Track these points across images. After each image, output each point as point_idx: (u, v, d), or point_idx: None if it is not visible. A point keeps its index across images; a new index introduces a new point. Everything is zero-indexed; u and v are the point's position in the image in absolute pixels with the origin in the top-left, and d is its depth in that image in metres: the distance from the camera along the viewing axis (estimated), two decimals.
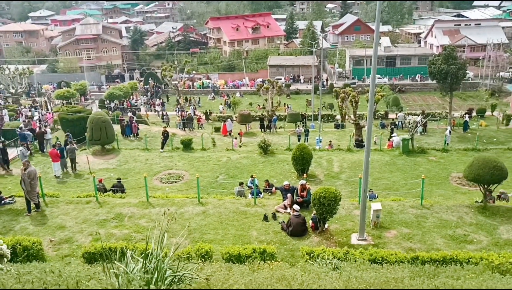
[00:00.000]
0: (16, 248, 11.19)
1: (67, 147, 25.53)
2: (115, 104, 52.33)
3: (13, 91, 51.45)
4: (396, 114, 46.04)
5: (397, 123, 41.53)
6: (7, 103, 49.67)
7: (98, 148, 29.25)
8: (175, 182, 24.07)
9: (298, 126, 39.14)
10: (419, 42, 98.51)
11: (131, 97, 59.33)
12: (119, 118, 37.64)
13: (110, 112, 44.24)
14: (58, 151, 24.38)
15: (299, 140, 34.21)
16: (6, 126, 32.63)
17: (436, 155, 28.36)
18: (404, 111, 48.78)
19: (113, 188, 20.05)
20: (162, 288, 4.08)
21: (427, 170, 25.34)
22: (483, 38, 79.44)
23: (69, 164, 25.48)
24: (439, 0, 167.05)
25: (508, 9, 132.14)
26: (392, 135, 32.49)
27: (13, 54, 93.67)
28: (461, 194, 21.69)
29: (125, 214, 15.99)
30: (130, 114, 42.25)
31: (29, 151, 25.37)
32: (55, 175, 24.18)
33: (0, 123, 20.42)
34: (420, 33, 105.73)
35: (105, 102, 52.36)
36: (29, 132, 29.07)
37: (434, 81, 46.08)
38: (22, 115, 41.71)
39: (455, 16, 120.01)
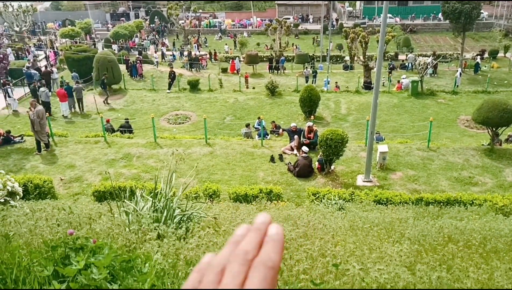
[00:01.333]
0: (28, 186, 11.44)
1: (74, 86, 25.47)
2: (120, 43, 51.56)
3: (17, 29, 50.66)
4: (407, 55, 45.07)
5: (407, 64, 40.74)
6: (11, 42, 49.10)
7: None
8: (182, 123, 24.14)
9: (306, 67, 38.55)
10: None
11: (137, 36, 58.38)
12: (125, 58, 37.19)
13: (116, 51, 43.67)
14: (66, 91, 24.38)
15: (306, 82, 33.81)
16: (12, 65, 32.44)
17: (445, 98, 28.05)
18: (414, 52, 47.71)
19: (121, 128, 20.17)
20: (171, 225, 4.18)
21: (435, 112, 25.14)
22: None
23: (76, 104, 25.54)
24: None
25: None
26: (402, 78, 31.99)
27: None
28: (468, 137, 21.63)
29: (133, 154, 16.19)
30: (137, 54, 41.72)
31: (50, 92, 25.28)
32: (62, 115, 24.31)
33: (6, 62, 20.22)
34: None
35: (111, 41, 51.62)
36: (35, 71, 28.93)
37: (447, 21, 44.69)
38: (29, 54, 41.34)
39: None
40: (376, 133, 19.92)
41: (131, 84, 32.08)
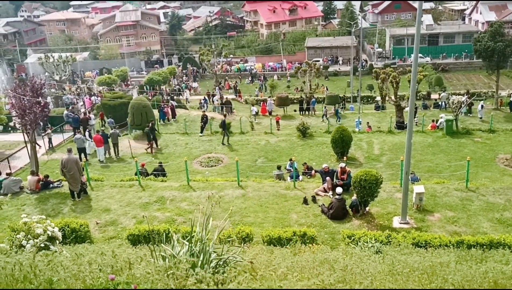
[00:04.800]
0: (65, 230, 11.63)
1: (110, 132, 26.23)
2: (155, 89, 53.17)
3: (57, 78, 53.04)
4: (439, 94, 44.64)
5: (440, 103, 40.27)
6: (51, 90, 51.35)
7: (139, 132, 29.87)
8: (215, 165, 24.33)
9: (325, 106, 38.73)
10: (463, 19, 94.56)
11: (171, 81, 60.14)
12: (162, 102, 38.17)
13: (150, 97, 44.96)
14: (102, 137, 25.09)
15: (322, 118, 34.45)
16: (52, 113, 33.78)
17: (482, 136, 27.38)
18: (447, 91, 47.22)
19: (155, 172, 20.48)
20: (208, 270, 4.14)
21: (472, 151, 24.52)
22: None
23: (112, 149, 26.18)
24: None
25: None
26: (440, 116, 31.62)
27: (56, 43, 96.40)
28: (509, 176, 20.90)
29: (167, 197, 16.33)
30: (170, 101, 42.72)
31: (86, 137, 25.94)
32: (99, 160, 24.92)
33: (47, 110, 21.24)
34: (464, 10, 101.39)
35: (144, 88, 53.33)
36: (76, 116, 30.12)
37: (479, 60, 44.35)
38: (81, 102, 43.19)
39: None
40: (411, 173, 19.53)
41: (165, 128, 32.78)
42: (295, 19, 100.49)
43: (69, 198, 16.41)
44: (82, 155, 24.08)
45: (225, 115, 30.97)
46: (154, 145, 27.08)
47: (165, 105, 36.41)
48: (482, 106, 33.78)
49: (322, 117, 35.37)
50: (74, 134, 26.35)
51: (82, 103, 43.99)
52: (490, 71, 42.24)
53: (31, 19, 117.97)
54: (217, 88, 54.62)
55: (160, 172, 20.63)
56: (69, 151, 16.77)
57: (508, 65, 50.08)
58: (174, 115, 35.78)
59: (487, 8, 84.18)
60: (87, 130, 28.58)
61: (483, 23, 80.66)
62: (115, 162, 25.25)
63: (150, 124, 27.22)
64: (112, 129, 26.77)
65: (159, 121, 33.20)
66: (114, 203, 16.03)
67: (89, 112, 34.57)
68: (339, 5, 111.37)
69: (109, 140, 25.78)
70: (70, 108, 35.33)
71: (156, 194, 16.65)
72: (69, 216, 14.49)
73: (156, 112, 34.16)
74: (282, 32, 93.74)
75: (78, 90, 54.65)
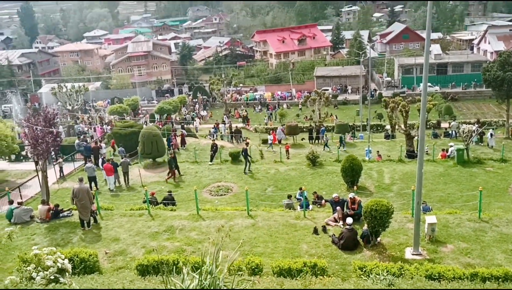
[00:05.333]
0: (74, 261, 11.59)
1: (121, 160, 26.40)
2: (164, 118, 53.63)
3: (69, 108, 53.79)
4: (449, 123, 44.51)
5: (450, 132, 40.11)
6: (63, 120, 52.02)
7: (150, 161, 30.02)
8: (224, 194, 24.27)
9: (326, 134, 38.92)
10: (471, 49, 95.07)
11: (182, 110, 60.70)
12: (172, 131, 38.41)
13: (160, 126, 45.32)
14: (112, 165, 25.24)
15: (324, 148, 34.92)
16: (64, 142, 34.15)
17: (493, 166, 27.09)
18: (457, 120, 47.09)
19: (164, 201, 20.47)
20: None
21: (484, 181, 24.24)
22: None
23: (122, 177, 26.28)
24: (492, 0, 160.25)
25: None
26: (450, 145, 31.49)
27: (69, 73, 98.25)
28: None
29: (176, 227, 16.26)
30: (181, 129, 42.96)
31: (97, 166, 25.99)
32: (109, 189, 25.00)
33: (59, 139, 21.51)
34: (472, 40, 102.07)
35: (155, 117, 53.84)
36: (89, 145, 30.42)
37: (489, 89, 44.37)
38: (94, 130, 43.68)
39: (510, 20, 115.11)
40: (423, 203, 19.33)
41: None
42: (304, 49, 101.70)
43: (79, 227, 16.41)
44: (93, 184, 24.19)
45: (247, 144, 31.03)
46: (177, 173, 27.11)
47: (173, 135, 36.66)
48: (491, 135, 33.65)
49: (324, 147, 35.40)
50: (85, 163, 26.52)
51: (93, 131, 44.44)
52: (500, 100, 42.17)
53: (46, 50, 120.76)
54: (225, 116, 54.98)
55: (169, 201, 20.62)
56: (80, 180, 16.89)
57: None
58: (183, 143, 35.96)
59: (495, 38, 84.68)
60: (101, 157, 28.83)
61: (491, 53, 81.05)
62: (124, 191, 25.30)
63: (173, 153, 27.55)
64: (122, 158, 26.95)
65: (168, 150, 33.24)
66: (124, 232, 15.99)
67: (100, 141, 34.87)
68: (348, 35, 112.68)
69: (119, 168, 25.92)
70: (81, 137, 35.71)
71: (165, 223, 16.59)
72: (78, 246, 14.46)
73: (165, 141, 34.35)
74: (291, 62, 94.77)
75: (90, 119, 55.29)
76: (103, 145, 32.51)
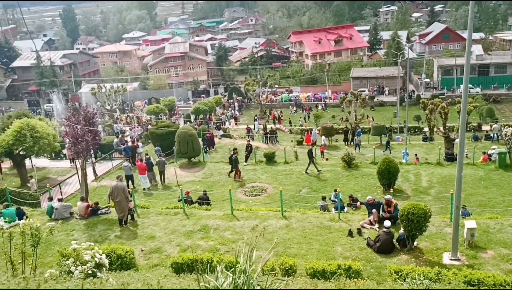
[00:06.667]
0: (111, 257, 11.85)
1: (157, 159, 26.84)
2: (200, 119, 54.26)
3: (108, 107, 55.27)
4: (491, 125, 43.12)
5: (491, 135, 38.84)
6: (102, 119, 53.45)
7: (185, 161, 30.40)
8: (259, 195, 24.30)
9: (357, 136, 38.60)
10: None
11: (218, 111, 61.22)
12: (207, 132, 38.82)
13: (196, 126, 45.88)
14: (146, 164, 25.57)
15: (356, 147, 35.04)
16: (103, 141, 35.06)
17: None
18: (499, 122, 45.54)
19: (199, 200, 20.68)
20: None
21: None
22: None
23: (158, 176, 26.69)
24: None
25: None
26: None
27: (108, 73, 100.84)
28: None
29: (211, 226, 16.40)
30: (216, 130, 43.27)
31: (129, 165, 26.31)
32: (143, 188, 25.33)
33: (98, 138, 22.10)
34: None
35: (191, 117, 54.53)
36: (129, 146, 31.07)
37: None
38: (134, 131, 44.71)
39: None
40: (463, 207, 18.77)
41: (210, 156, 33.21)
42: (341, 50, 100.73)
43: (116, 225, 16.79)
44: (130, 182, 24.68)
45: (312, 144, 31.04)
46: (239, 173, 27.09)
47: (208, 134, 37.05)
48: None
49: (355, 148, 35.17)
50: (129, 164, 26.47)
51: (130, 130, 45.40)
52: None
53: (86, 51, 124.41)
54: (256, 117, 54.54)
55: (204, 200, 20.81)
56: (118, 178, 17.25)
57: None
58: (212, 145, 36.07)
59: None
60: (138, 156, 29.22)
61: None
62: (160, 190, 25.72)
63: (235, 153, 27.42)
64: (158, 157, 27.42)
65: (203, 150, 33.53)
66: (159, 230, 16.26)
67: (137, 140, 35.59)
68: (385, 35, 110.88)
69: (155, 167, 26.34)
70: (120, 136, 36.53)
71: (200, 223, 16.76)
72: (115, 242, 14.79)
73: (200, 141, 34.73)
74: (327, 63, 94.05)
75: (128, 119, 56.56)
76: (140, 144, 33.14)
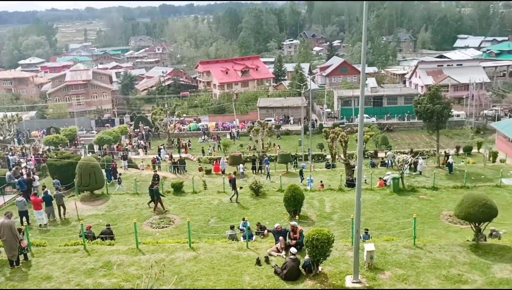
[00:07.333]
0: None
1: (54, 193, 25.15)
2: (105, 149, 52.13)
3: (1, 138, 51.20)
4: (386, 152, 46.38)
5: (386, 161, 41.72)
6: None
7: (87, 194, 28.85)
8: (166, 227, 23.68)
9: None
10: (404, 82, 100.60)
11: (123, 141, 59.28)
12: (112, 162, 37.29)
13: (100, 157, 43.95)
14: (42, 199, 23.73)
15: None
16: None
17: (426, 193, 28.39)
18: (393, 149, 49.17)
19: (102, 235, 19.67)
20: None
21: (418, 208, 25.31)
22: (465, 78, 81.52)
23: (57, 210, 24.97)
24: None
25: (487, 50, 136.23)
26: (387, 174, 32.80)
27: (2, 101, 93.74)
28: (453, 232, 21.59)
29: (114, 262, 15.62)
30: (124, 160, 41.77)
31: (24, 200, 24.11)
32: (39, 224, 23.39)
33: None
34: (404, 74, 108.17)
35: (94, 147, 52.21)
36: (23, 179, 28.74)
37: (421, 120, 46.88)
38: (27, 162, 41.47)
39: (437, 57, 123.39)
40: (365, 231, 19.86)
41: (113, 188, 31.90)
42: (247, 80, 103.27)
43: (7, 266, 15.36)
44: (24, 218, 22.80)
45: (235, 173, 30.60)
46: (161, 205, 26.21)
47: (113, 164, 35.78)
48: (419, 162, 36.73)
49: (267, 177, 36.51)
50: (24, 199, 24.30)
51: (26, 162, 42.22)
52: (430, 131, 44.62)
53: None
54: (162, 146, 53.42)
55: (107, 235, 19.84)
56: (6, 215, 15.67)
57: (447, 126, 53.09)
58: (115, 176, 34.80)
59: (425, 73, 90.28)
60: (34, 190, 27.11)
61: (422, 86, 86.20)
62: (59, 226, 24.05)
63: (155, 184, 26.85)
64: (55, 191, 25.72)
65: (107, 182, 32.08)
66: (56, 270, 15.14)
67: (33, 173, 33.18)
68: (289, 67, 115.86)
69: (54, 202, 24.65)
70: (13, 169, 33.83)
71: (102, 259, 15.89)
72: (5, 286, 13.52)
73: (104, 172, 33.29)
74: (234, 92, 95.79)
75: (23, 150, 52.70)
76: (36, 177, 30.94)
